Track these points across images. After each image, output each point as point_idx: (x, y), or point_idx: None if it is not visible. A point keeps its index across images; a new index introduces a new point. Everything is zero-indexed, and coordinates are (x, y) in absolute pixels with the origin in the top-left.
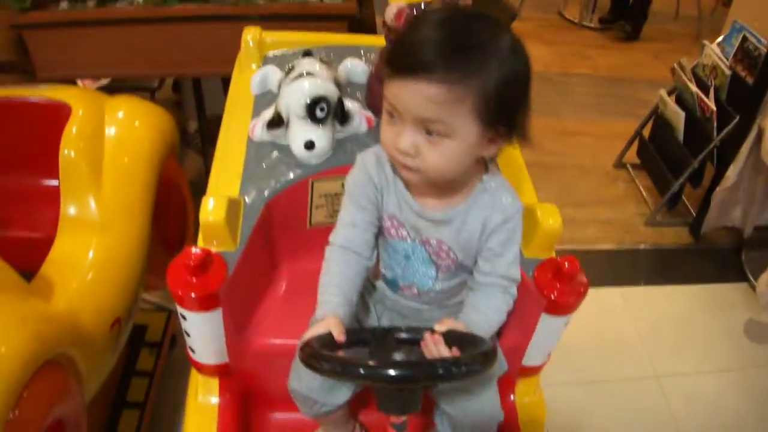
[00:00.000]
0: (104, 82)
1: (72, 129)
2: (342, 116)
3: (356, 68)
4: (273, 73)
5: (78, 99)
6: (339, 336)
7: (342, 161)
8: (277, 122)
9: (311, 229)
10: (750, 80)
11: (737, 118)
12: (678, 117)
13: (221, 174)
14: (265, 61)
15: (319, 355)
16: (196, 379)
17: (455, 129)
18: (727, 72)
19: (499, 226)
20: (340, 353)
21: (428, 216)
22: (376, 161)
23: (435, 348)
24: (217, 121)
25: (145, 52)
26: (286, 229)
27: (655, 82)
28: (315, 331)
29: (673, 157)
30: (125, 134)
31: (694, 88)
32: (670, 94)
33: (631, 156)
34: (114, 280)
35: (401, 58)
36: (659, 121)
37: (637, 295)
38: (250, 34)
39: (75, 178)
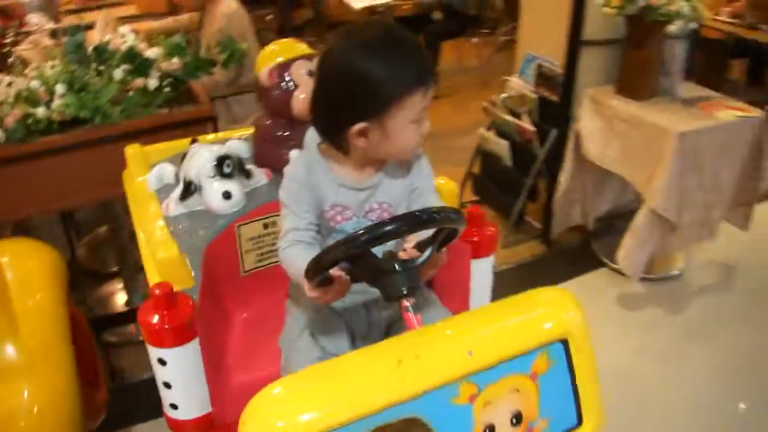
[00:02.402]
0: None
1: None
2: (246, 172)
3: (240, 146)
4: (167, 167)
5: None
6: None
7: (257, 204)
8: (190, 191)
9: (246, 276)
10: (555, 98)
11: (554, 131)
12: (502, 147)
13: (154, 248)
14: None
15: (321, 253)
16: None
17: None
18: (534, 96)
19: (417, 165)
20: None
21: (366, 185)
22: (306, 167)
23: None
24: None
25: (9, 193)
26: (226, 278)
27: (462, 129)
28: None
29: (507, 183)
30: (24, 276)
31: (510, 117)
32: (488, 129)
33: (468, 196)
34: (54, 421)
35: (424, 79)
36: (485, 156)
37: None
38: (132, 150)
39: None
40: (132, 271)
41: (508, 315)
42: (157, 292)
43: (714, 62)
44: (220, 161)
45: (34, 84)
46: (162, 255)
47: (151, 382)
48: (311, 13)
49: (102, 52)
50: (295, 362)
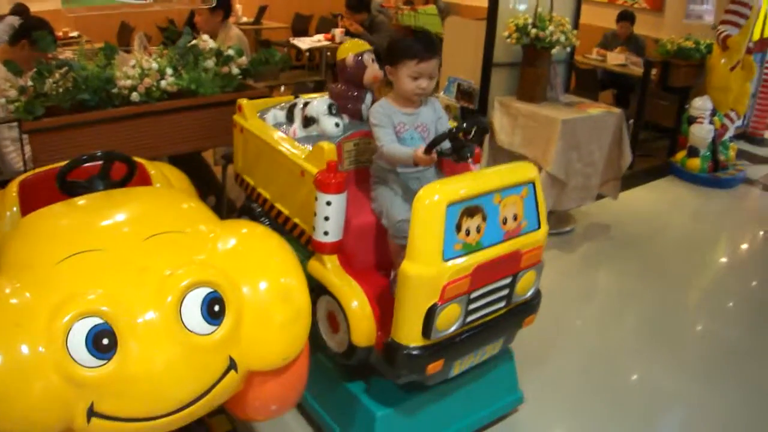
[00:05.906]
0: None
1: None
2: (339, 114)
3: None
4: (277, 112)
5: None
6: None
7: (349, 132)
8: (310, 122)
9: (343, 171)
10: (472, 106)
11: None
12: None
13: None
14: (260, 112)
15: (437, 137)
16: (322, 259)
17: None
18: (458, 105)
19: (437, 105)
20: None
21: (411, 112)
22: (382, 107)
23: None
24: None
25: (144, 137)
26: None
27: None
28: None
29: None
30: (178, 182)
31: None
32: None
33: None
34: None
35: (424, 54)
36: None
37: None
38: (244, 102)
39: None
40: None
41: (511, 167)
42: (329, 163)
43: (587, 87)
44: (330, 106)
45: (154, 65)
46: (327, 147)
47: None
48: None
49: (195, 49)
50: (395, 210)
